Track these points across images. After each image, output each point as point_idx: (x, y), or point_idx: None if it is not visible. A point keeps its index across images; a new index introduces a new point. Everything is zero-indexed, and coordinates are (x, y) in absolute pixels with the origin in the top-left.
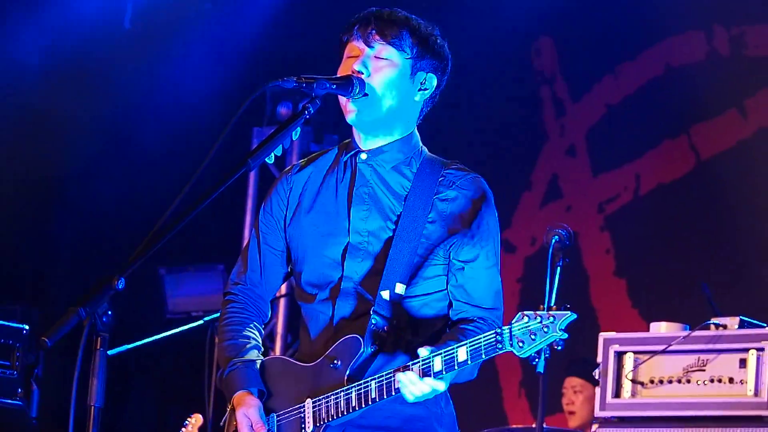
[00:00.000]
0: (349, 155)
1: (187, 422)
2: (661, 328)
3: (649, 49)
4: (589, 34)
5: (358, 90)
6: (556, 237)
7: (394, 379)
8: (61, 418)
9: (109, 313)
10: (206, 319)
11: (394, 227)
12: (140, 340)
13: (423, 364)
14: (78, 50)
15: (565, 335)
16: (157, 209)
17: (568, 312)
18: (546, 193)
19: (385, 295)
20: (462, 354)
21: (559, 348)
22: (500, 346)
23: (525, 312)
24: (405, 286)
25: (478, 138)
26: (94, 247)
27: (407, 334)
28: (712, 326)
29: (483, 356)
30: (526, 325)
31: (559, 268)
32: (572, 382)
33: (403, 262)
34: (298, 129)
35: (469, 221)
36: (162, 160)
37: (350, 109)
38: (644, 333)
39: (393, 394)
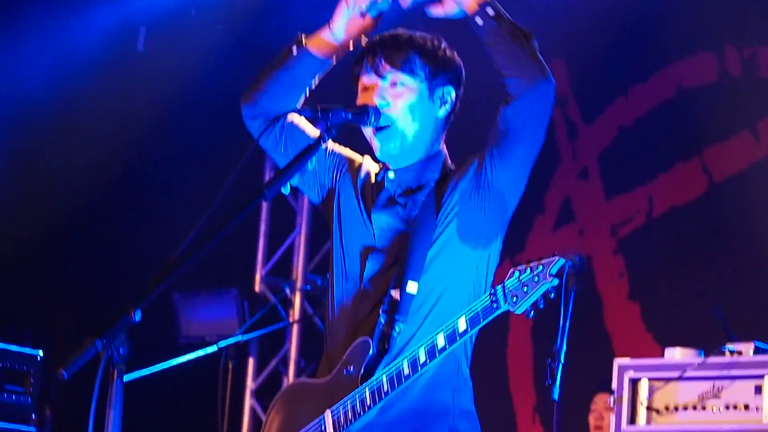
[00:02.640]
0: (381, 175)
1: None
2: (675, 354)
3: (661, 71)
4: (600, 56)
5: (374, 119)
6: (570, 262)
7: (402, 366)
8: None
9: (126, 344)
10: (220, 344)
11: (408, 228)
12: (153, 365)
13: (427, 344)
14: (91, 72)
15: (556, 281)
16: (169, 235)
17: (557, 257)
18: (559, 216)
19: (395, 294)
20: (462, 324)
21: (552, 296)
22: (496, 305)
23: (516, 267)
24: (417, 284)
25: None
26: (106, 271)
27: (420, 331)
28: (727, 352)
29: (481, 320)
30: (518, 278)
31: (572, 293)
32: (605, 398)
33: (415, 261)
34: (314, 159)
35: (468, 173)
36: (175, 185)
37: (376, 145)
38: (659, 359)
39: (404, 381)
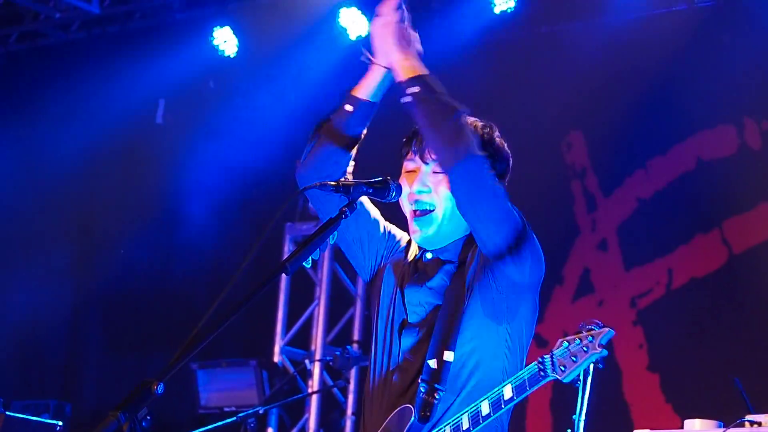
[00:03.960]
0: (418, 256)
1: None
2: (695, 426)
3: (680, 144)
4: (619, 129)
5: (395, 194)
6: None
7: None
8: None
9: (148, 417)
10: (240, 415)
11: (441, 300)
12: None
13: (471, 412)
14: (114, 145)
15: (605, 352)
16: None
17: (606, 329)
18: (578, 287)
19: (433, 363)
20: (507, 391)
21: (601, 366)
22: (543, 374)
23: (564, 338)
24: (452, 353)
25: None
26: (125, 341)
27: (459, 399)
28: (747, 423)
29: (528, 388)
30: (567, 348)
31: (592, 365)
32: None
33: (449, 330)
34: (336, 233)
35: (479, 260)
36: (193, 258)
37: (415, 229)
38: (679, 431)
39: None
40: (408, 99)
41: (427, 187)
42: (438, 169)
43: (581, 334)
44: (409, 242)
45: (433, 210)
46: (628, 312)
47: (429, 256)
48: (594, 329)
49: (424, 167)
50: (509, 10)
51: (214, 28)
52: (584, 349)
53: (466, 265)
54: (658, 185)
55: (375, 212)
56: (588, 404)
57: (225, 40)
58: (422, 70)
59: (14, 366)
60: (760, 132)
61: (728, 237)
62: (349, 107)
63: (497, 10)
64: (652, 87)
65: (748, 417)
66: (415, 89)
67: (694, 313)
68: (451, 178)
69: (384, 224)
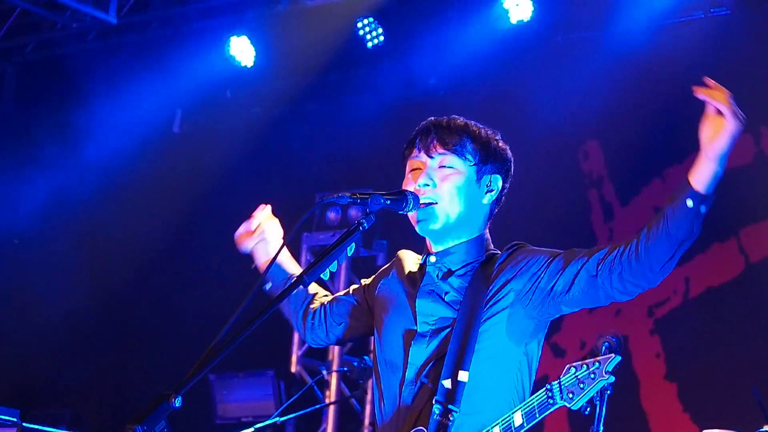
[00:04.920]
0: (423, 259)
1: None
2: None
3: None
4: (636, 138)
5: (412, 205)
6: (607, 344)
7: None
8: None
9: (166, 431)
10: (257, 425)
11: (455, 317)
12: None
13: None
14: (131, 154)
15: (612, 378)
16: (202, 315)
17: (612, 355)
18: None
19: (447, 383)
20: (518, 418)
21: (609, 393)
22: (552, 401)
23: (571, 364)
24: (468, 373)
25: (526, 241)
26: (143, 352)
27: (473, 419)
28: None
29: (537, 416)
30: (575, 374)
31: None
32: None
33: (463, 350)
34: (353, 245)
35: (525, 275)
36: (211, 269)
37: (416, 219)
38: None
39: None
40: (689, 204)
41: (432, 181)
42: (444, 163)
43: (588, 361)
44: (396, 261)
45: (436, 203)
46: (645, 321)
47: (432, 260)
48: (609, 341)
49: (429, 161)
50: (526, 20)
51: (231, 38)
52: (591, 376)
53: (489, 282)
54: None
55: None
56: (606, 414)
57: (242, 49)
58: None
59: (30, 376)
60: None
61: (745, 245)
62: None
63: (513, 20)
64: (669, 96)
65: (766, 427)
66: (703, 205)
67: (712, 322)
68: (639, 287)
69: (354, 290)
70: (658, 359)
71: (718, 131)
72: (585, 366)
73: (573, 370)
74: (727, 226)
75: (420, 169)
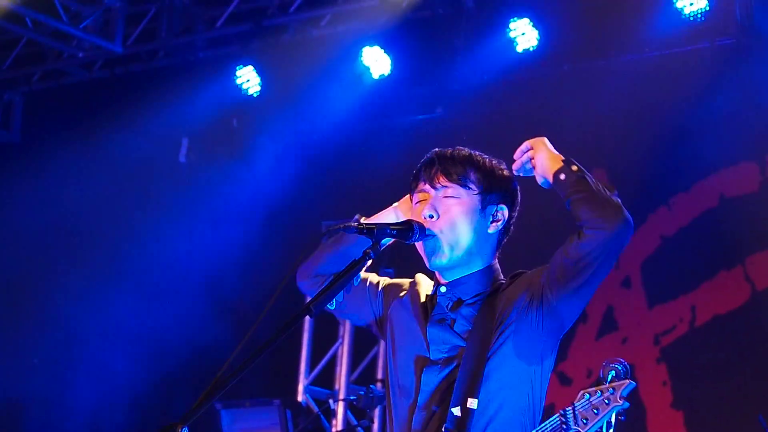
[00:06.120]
0: (434, 289)
1: None
2: None
3: (703, 180)
4: (642, 166)
5: (418, 235)
6: (613, 372)
7: None
8: None
9: None
10: None
11: (464, 345)
12: None
13: None
14: (137, 183)
15: (627, 404)
16: (209, 345)
17: (627, 380)
18: (601, 325)
19: (456, 411)
20: None
21: (623, 419)
22: (565, 427)
23: (585, 390)
24: (477, 401)
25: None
26: (149, 382)
27: None
28: None
29: None
30: (588, 400)
31: (614, 416)
32: None
33: (472, 377)
34: (359, 275)
35: (523, 291)
36: (215, 293)
37: (426, 254)
38: None
39: None
40: (565, 176)
41: (436, 212)
42: (448, 194)
43: (602, 386)
44: (412, 284)
45: (441, 233)
46: (651, 349)
47: (443, 290)
48: (615, 369)
49: (434, 192)
50: (532, 49)
51: (238, 67)
52: (606, 401)
53: (496, 306)
54: (681, 222)
55: (367, 279)
56: None
57: (248, 79)
58: (562, 157)
59: (38, 406)
60: None
61: (751, 273)
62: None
63: (520, 49)
64: (674, 124)
65: None
66: (574, 167)
67: (718, 350)
68: (607, 236)
69: (373, 282)
70: (664, 387)
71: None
72: (599, 392)
73: (587, 396)
74: (733, 253)
75: (425, 200)
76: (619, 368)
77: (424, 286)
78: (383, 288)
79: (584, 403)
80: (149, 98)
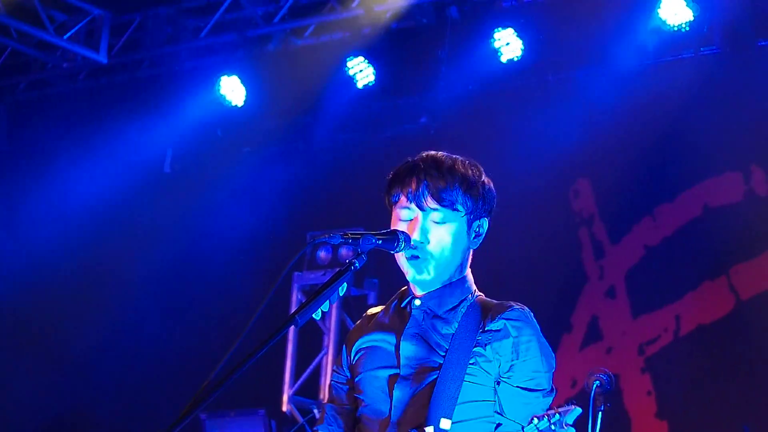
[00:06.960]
0: (405, 302)
1: None
2: None
3: (688, 191)
4: (627, 176)
5: (404, 245)
6: (597, 382)
7: None
8: None
9: None
10: None
11: (440, 363)
12: None
13: None
14: (121, 194)
15: (572, 430)
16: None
17: (573, 407)
18: (586, 334)
19: (430, 431)
20: None
21: None
22: None
23: (534, 415)
24: (450, 422)
25: (518, 279)
26: (136, 391)
27: None
28: None
29: None
30: (536, 426)
31: (600, 412)
32: None
33: (448, 397)
34: (345, 284)
35: (513, 344)
36: (200, 304)
37: (410, 271)
38: None
39: None
40: None
41: (426, 238)
42: (437, 219)
43: (549, 412)
44: (366, 318)
45: (431, 257)
46: (636, 359)
47: (418, 303)
48: (600, 378)
49: (421, 215)
50: (516, 59)
51: (222, 77)
52: (552, 428)
53: (474, 327)
54: (665, 232)
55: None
56: None
57: (232, 89)
58: None
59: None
60: (766, 178)
61: (735, 284)
62: None
63: (504, 59)
64: (659, 134)
65: None
66: None
67: (702, 360)
68: None
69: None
70: (649, 397)
71: None
72: (546, 418)
73: (536, 420)
74: (717, 264)
75: (414, 220)
76: (604, 378)
77: (385, 308)
78: (346, 353)
79: (532, 429)
80: (133, 108)
